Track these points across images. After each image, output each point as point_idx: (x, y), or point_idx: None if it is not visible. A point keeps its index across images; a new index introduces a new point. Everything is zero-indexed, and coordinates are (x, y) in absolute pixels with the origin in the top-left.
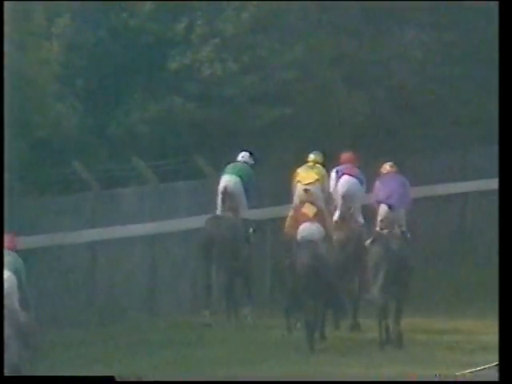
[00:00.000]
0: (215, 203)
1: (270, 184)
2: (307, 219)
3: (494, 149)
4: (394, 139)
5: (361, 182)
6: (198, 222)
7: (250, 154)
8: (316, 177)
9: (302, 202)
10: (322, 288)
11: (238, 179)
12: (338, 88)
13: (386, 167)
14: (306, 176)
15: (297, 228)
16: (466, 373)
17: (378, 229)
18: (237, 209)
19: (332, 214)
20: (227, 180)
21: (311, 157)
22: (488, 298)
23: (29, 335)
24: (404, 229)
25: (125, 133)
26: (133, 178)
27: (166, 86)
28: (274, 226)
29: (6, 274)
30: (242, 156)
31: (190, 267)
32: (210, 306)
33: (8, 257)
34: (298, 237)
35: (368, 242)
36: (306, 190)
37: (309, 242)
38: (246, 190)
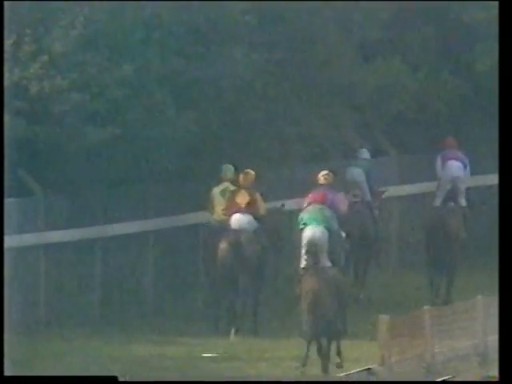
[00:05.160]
0: (44, 220)
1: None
2: (239, 209)
3: (321, 166)
4: (222, 157)
5: (465, 166)
6: (27, 239)
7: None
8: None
9: (239, 188)
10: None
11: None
12: (166, 107)
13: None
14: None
15: (230, 215)
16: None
17: None
18: None
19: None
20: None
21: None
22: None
23: (336, 287)
24: None
25: None
26: None
27: None
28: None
29: (320, 229)
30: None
31: (20, 285)
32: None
33: (319, 210)
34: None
35: None
36: (246, 173)
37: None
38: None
